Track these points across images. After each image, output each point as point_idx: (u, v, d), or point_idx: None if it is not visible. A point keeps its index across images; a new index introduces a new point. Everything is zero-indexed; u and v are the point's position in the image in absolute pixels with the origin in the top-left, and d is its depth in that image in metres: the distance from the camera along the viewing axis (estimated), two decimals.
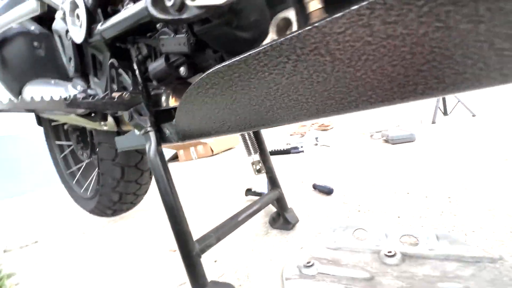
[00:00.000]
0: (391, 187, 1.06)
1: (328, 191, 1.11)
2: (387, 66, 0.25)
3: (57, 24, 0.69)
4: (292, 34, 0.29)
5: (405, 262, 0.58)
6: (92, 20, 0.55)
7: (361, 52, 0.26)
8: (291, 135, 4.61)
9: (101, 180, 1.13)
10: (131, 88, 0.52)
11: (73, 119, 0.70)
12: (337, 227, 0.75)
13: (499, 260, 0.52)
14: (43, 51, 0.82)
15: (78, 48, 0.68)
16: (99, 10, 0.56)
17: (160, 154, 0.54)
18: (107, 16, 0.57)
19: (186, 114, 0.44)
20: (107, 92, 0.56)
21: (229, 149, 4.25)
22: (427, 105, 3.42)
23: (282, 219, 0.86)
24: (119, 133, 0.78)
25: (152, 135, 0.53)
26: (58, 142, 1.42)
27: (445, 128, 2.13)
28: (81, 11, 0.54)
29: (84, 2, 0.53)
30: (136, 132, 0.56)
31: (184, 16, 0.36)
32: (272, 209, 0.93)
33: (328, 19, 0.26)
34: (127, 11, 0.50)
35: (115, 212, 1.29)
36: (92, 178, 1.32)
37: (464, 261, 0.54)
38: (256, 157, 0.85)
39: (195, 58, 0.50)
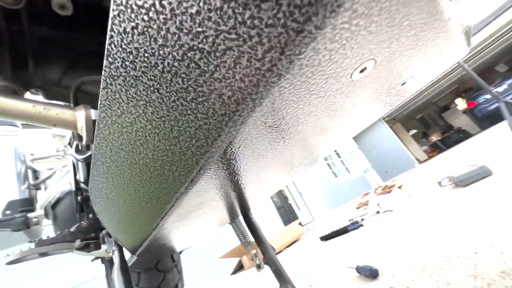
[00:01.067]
0: (454, 250, 0.76)
1: (371, 274, 0.85)
2: None
3: None
4: None
5: None
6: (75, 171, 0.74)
7: None
8: (357, 208, 4.06)
9: None
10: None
11: (85, 253, 0.80)
12: None
13: None
14: (75, 207, 1.06)
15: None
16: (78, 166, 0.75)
17: (124, 271, 0.55)
18: None
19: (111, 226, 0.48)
20: (78, 224, 0.67)
21: (294, 242, 3.86)
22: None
23: None
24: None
25: (116, 254, 0.57)
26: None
27: None
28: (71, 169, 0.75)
29: (73, 163, 0.74)
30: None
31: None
32: None
33: None
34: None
35: None
36: None
37: None
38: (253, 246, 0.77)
39: None
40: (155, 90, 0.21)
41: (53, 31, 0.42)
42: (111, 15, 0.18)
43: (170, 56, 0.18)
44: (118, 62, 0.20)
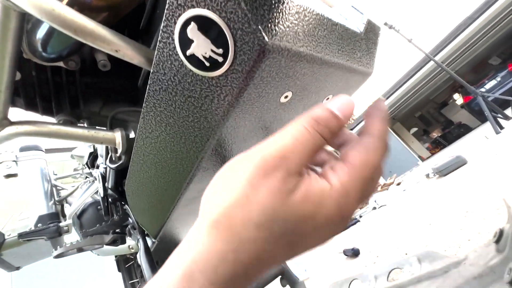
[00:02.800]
0: (416, 224, 0.91)
1: (354, 253, 0.99)
2: None
3: None
4: None
5: None
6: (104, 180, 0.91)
7: None
8: (359, 208, 4.15)
9: None
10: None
11: (110, 250, 0.96)
12: (336, 286, 0.69)
13: (463, 261, 0.44)
14: (103, 211, 1.23)
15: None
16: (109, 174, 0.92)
17: (148, 253, 0.71)
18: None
19: (138, 212, 0.64)
20: (111, 218, 0.83)
21: None
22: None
23: None
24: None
25: (140, 241, 0.73)
26: (130, 282, 1.69)
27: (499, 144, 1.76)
28: (99, 179, 0.91)
29: (101, 173, 0.91)
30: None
31: None
32: None
33: None
34: None
35: None
36: None
37: (434, 276, 0.46)
38: None
39: None
40: (171, 117, 0.38)
41: (93, 79, 0.60)
42: (149, 81, 0.36)
43: (178, 100, 0.36)
44: (151, 104, 0.38)
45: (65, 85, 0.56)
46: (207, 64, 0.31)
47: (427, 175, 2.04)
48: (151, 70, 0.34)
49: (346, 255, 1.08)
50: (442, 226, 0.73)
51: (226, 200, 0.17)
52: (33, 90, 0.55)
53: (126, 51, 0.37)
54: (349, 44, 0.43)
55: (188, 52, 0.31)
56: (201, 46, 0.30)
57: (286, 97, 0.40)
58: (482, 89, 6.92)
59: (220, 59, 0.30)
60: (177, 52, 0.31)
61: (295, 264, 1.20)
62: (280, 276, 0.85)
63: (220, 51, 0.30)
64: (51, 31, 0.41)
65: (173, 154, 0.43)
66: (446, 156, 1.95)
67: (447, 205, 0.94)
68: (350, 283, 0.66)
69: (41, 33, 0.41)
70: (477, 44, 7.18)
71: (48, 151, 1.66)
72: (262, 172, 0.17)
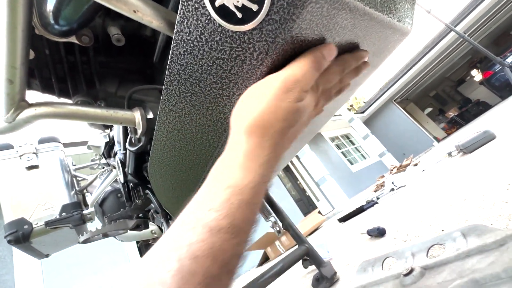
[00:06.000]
0: (447, 201, 0.86)
1: (379, 233, 0.97)
2: None
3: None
4: None
5: (424, 276, 0.48)
6: (124, 166, 0.91)
7: None
8: (374, 191, 4.10)
9: None
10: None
11: (133, 236, 0.97)
12: (366, 265, 0.66)
13: None
14: (123, 198, 1.24)
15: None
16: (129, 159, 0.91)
17: None
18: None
19: (162, 194, 0.63)
20: (134, 202, 0.83)
21: (315, 230, 3.96)
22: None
23: (321, 277, 0.79)
24: None
25: (164, 224, 0.72)
26: None
27: None
28: (118, 166, 0.91)
29: (120, 160, 0.90)
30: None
31: None
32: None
33: None
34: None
35: None
36: None
37: (486, 250, 0.42)
38: (273, 218, 0.91)
39: None
40: (197, 85, 0.35)
41: (108, 58, 0.58)
42: (172, 44, 0.32)
43: (205, 64, 0.32)
44: (175, 71, 0.35)
45: (79, 64, 0.54)
46: (239, 15, 0.27)
47: (449, 154, 1.95)
48: (175, 30, 0.31)
49: (370, 235, 1.05)
50: (481, 201, 0.68)
51: (258, 109, 0.26)
52: (48, 71, 0.53)
53: (145, 11, 0.33)
54: None
55: (218, 2, 0.27)
56: None
57: None
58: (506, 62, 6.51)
59: (255, 7, 0.26)
60: (204, 3, 0.27)
61: (317, 246, 1.19)
62: (304, 257, 0.83)
63: None
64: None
65: (199, 128, 0.41)
66: (467, 134, 1.85)
67: (481, 180, 0.89)
68: (383, 261, 0.64)
69: (52, 1, 0.38)
70: (498, 14, 6.69)
71: (64, 145, 1.68)
72: (284, 90, 0.26)
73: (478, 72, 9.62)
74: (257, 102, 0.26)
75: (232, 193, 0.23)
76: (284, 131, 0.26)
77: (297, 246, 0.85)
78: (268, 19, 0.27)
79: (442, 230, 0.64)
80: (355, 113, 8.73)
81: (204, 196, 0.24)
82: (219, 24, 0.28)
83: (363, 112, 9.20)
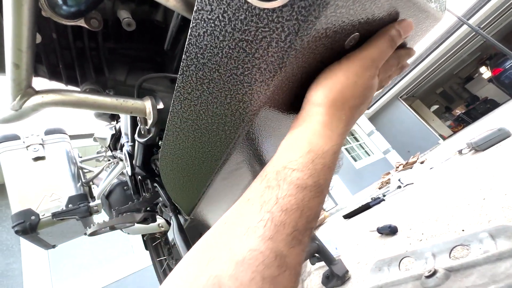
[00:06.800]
0: (464, 200, 0.83)
1: (391, 231, 0.94)
2: None
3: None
4: None
5: (450, 279, 0.45)
6: (131, 158, 0.89)
7: None
8: (379, 188, 4.06)
9: None
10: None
11: (140, 229, 0.96)
12: (381, 264, 0.64)
13: None
14: (130, 191, 1.23)
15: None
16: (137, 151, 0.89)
17: (182, 230, 0.69)
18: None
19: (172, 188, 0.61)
20: (143, 195, 0.81)
21: (318, 226, 3.95)
22: None
23: (332, 275, 0.77)
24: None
25: (173, 218, 0.70)
26: (158, 259, 1.75)
27: None
28: (126, 158, 0.89)
29: (127, 152, 0.88)
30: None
31: None
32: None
33: None
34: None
35: None
36: None
37: None
38: None
39: None
40: (216, 70, 0.32)
41: (117, 44, 0.55)
42: (191, 25, 0.30)
43: (227, 47, 0.29)
44: (192, 55, 0.32)
45: (88, 50, 0.51)
46: None
47: (459, 151, 1.91)
48: (194, 8, 0.28)
49: (380, 233, 1.02)
50: (504, 200, 0.65)
51: (338, 85, 0.28)
52: (55, 56, 0.50)
53: None
54: None
55: None
56: None
57: (351, 40, 0.32)
58: None
59: None
60: None
61: (324, 243, 1.17)
62: (315, 255, 0.81)
63: None
64: None
65: (215, 118, 0.38)
66: (477, 132, 1.81)
67: (500, 179, 0.85)
68: (400, 261, 0.61)
69: None
70: (510, 11, 6.49)
71: (70, 137, 1.67)
72: (363, 68, 0.29)
73: (487, 69, 9.40)
74: (336, 78, 0.28)
75: (315, 157, 0.25)
76: (358, 106, 0.29)
77: None
78: None
79: (463, 230, 0.61)
80: None
81: (285, 159, 0.25)
82: (245, 0, 0.26)
83: (368, 109, 9.09)
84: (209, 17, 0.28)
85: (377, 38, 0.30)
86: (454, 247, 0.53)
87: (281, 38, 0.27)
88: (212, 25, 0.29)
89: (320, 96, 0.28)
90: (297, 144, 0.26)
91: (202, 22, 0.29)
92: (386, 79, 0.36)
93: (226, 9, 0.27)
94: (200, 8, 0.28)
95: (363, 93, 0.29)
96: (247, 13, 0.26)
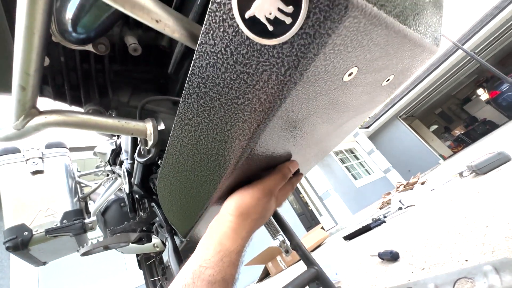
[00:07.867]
0: (466, 226, 0.81)
1: (392, 257, 0.91)
2: None
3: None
4: None
5: None
6: (130, 176, 0.88)
7: None
8: (379, 208, 4.00)
9: None
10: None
11: (135, 249, 0.93)
12: None
13: None
14: (127, 208, 1.22)
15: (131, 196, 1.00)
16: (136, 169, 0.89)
17: (177, 252, 0.67)
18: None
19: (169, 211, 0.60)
20: (139, 216, 0.80)
21: (318, 246, 3.85)
22: None
23: None
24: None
25: (169, 240, 0.69)
26: (152, 279, 1.69)
27: None
28: (124, 175, 0.89)
29: (126, 169, 0.88)
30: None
31: None
32: None
33: None
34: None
35: None
36: None
37: None
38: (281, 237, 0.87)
39: None
40: (217, 99, 0.33)
41: (122, 66, 0.57)
42: (194, 57, 0.31)
43: (228, 78, 0.30)
44: (195, 84, 0.33)
45: (93, 72, 0.53)
46: (270, 28, 0.25)
47: (460, 174, 1.90)
48: (198, 42, 0.29)
49: (381, 259, 1.00)
50: (507, 230, 0.64)
51: (246, 203, 0.40)
52: (61, 78, 0.52)
53: (168, 21, 0.32)
54: (422, 11, 0.36)
55: (248, 14, 0.25)
56: (266, 3, 0.24)
57: (350, 74, 0.33)
58: None
59: (288, 20, 0.24)
60: (233, 14, 0.26)
61: (324, 267, 1.13)
62: (314, 281, 0.79)
63: (290, 9, 0.24)
64: (81, 6, 0.37)
65: (214, 143, 0.38)
66: (477, 154, 1.81)
67: (503, 206, 0.84)
68: None
69: (71, 9, 0.37)
70: (506, 34, 6.72)
71: (69, 150, 1.67)
72: (263, 194, 0.41)
73: (485, 91, 9.58)
74: (245, 198, 0.40)
75: (223, 256, 0.34)
76: (258, 219, 0.40)
77: (305, 267, 0.80)
78: (302, 33, 0.25)
79: (466, 261, 0.59)
80: (360, 128, 8.69)
81: (200, 258, 0.33)
82: (247, 36, 0.27)
83: (368, 127, 9.15)
84: (212, 50, 0.29)
85: (274, 174, 0.42)
86: (458, 279, 0.51)
87: (281, 72, 0.28)
88: (215, 57, 0.30)
89: (232, 207, 0.39)
90: (212, 243, 0.35)
91: (205, 54, 0.30)
92: (283, 197, 0.47)
93: (228, 43, 0.28)
94: (203, 42, 0.29)
95: (262, 212, 0.40)
96: (248, 48, 0.27)
